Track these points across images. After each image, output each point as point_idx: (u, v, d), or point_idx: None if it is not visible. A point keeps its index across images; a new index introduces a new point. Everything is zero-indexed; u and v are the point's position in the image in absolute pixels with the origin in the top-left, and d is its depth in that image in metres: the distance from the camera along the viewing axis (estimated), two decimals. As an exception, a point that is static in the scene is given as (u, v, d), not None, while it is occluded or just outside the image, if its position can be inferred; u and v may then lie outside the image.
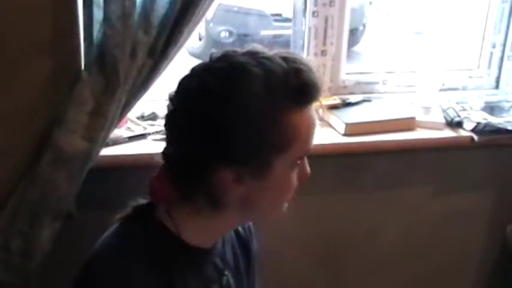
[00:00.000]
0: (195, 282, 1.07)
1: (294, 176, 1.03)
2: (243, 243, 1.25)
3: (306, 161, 1.07)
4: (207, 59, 1.02)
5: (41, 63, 1.37)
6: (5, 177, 1.40)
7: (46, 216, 1.39)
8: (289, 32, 1.93)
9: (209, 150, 0.97)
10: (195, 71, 1.03)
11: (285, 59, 0.98)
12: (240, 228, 1.25)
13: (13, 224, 1.38)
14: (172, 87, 1.05)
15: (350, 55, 1.92)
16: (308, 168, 1.08)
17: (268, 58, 0.97)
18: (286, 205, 1.08)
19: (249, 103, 0.94)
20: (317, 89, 0.99)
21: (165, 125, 1.06)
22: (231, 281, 1.16)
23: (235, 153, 0.96)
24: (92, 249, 1.06)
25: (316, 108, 1.06)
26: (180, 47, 1.40)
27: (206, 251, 1.09)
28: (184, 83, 1.03)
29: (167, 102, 1.05)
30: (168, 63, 1.41)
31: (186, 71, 1.04)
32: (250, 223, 1.29)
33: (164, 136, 1.09)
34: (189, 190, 1.03)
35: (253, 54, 0.99)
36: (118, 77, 1.32)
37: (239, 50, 1.01)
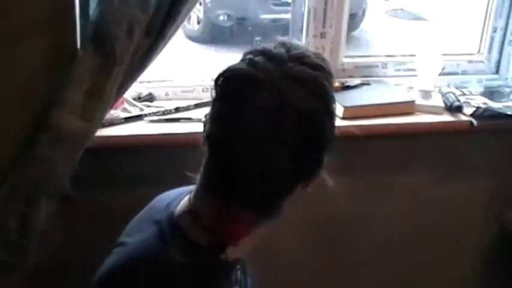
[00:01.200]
0: None
1: None
2: None
3: None
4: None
5: (37, 41, 1.35)
6: (2, 157, 1.39)
7: (42, 196, 1.39)
8: (288, 16, 1.91)
9: (287, 172, 0.93)
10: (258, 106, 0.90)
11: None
12: None
13: (10, 203, 1.38)
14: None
15: (349, 40, 1.90)
16: None
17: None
18: None
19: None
20: None
21: (211, 147, 0.96)
22: (242, 277, 1.14)
23: (306, 169, 0.97)
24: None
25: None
26: (177, 27, 1.38)
27: (235, 262, 1.07)
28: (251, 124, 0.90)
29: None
30: (165, 44, 1.39)
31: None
32: None
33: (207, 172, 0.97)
34: (253, 216, 0.97)
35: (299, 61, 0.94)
36: (114, 56, 1.31)
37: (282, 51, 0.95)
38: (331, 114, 0.97)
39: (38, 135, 1.35)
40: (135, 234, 1.04)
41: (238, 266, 1.10)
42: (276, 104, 0.88)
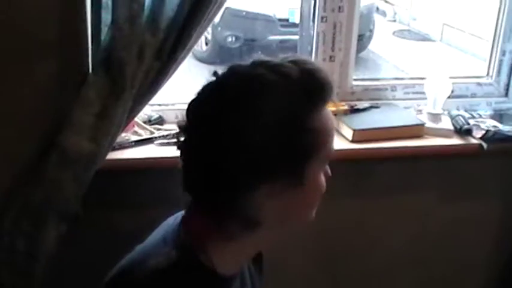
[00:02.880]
0: None
1: (323, 178, 1.01)
2: (257, 260, 1.21)
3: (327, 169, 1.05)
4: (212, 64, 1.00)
5: (49, 64, 1.37)
6: (10, 178, 1.40)
7: (51, 218, 1.39)
8: (295, 37, 1.92)
9: (240, 169, 0.92)
10: (204, 94, 0.98)
11: (294, 62, 0.96)
12: None
13: (18, 225, 1.38)
14: (181, 99, 1.00)
15: (356, 61, 1.91)
16: (329, 170, 1.05)
17: (278, 64, 0.95)
18: (314, 212, 1.06)
19: (274, 112, 0.91)
20: (331, 87, 0.97)
21: (182, 156, 1.01)
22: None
23: (267, 167, 0.92)
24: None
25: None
26: (188, 51, 1.39)
27: (233, 277, 1.05)
28: (196, 110, 0.98)
29: (178, 132, 1.01)
30: (176, 67, 1.40)
31: (191, 96, 0.99)
32: None
33: (182, 164, 1.02)
34: (222, 218, 0.98)
35: (261, 63, 0.96)
36: (125, 80, 1.32)
37: (243, 63, 0.98)
38: (254, 115, 0.92)
39: (47, 157, 1.36)
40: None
41: (238, 285, 1.09)
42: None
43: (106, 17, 1.32)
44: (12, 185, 1.39)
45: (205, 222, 1.00)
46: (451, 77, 1.83)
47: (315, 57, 1.79)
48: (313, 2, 1.77)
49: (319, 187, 1.00)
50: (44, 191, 1.37)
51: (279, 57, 0.98)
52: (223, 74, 0.98)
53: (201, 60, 4.64)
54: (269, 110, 0.91)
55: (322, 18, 1.76)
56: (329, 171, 1.05)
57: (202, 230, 1.00)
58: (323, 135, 0.96)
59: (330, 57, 1.80)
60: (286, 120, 0.91)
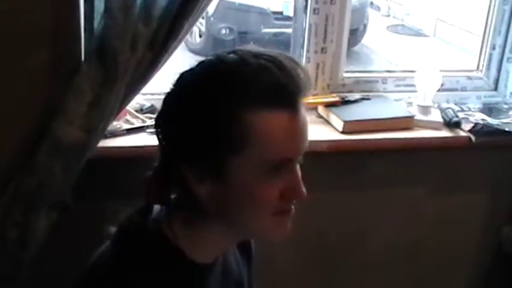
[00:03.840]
0: None
1: (271, 188, 0.93)
2: (244, 249, 1.19)
3: (296, 176, 0.95)
4: (206, 56, 1.00)
5: (41, 53, 1.37)
6: (2, 167, 1.40)
7: (42, 207, 1.39)
8: (289, 30, 1.93)
9: (171, 148, 0.96)
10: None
11: (270, 58, 0.91)
12: None
13: (9, 213, 1.38)
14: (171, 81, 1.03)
15: (350, 55, 1.92)
16: (301, 188, 0.95)
17: (247, 55, 0.92)
18: (286, 225, 0.99)
19: (209, 97, 0.90)
20: (291, 93, 0.90)
21: None
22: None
23: (190, 149, 0.93)
24: (87, 270, 1.02)
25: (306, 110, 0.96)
26: (180, 41, 1.40)
27: (209, 266, 1.03)
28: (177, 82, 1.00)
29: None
30: (167, 57, 1.41)
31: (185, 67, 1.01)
32: None
33: None
34: (169, 195, 1.01)
35: (238, 51, 0.94)
36: (117, 69, 1.32)
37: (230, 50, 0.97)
38: (187, 99, 0.94)
39: (39, 146, 1.36)
40: None
41: (219, 276, 1.07)
42: None
43: (99, 4, 1.32)
44: (3, 174, 1.39)
45: (167, 210, 1.02)
46: (441, 71, 1.85)
47: (306, 49, 1.81)
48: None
49: (255, 193, 0.93)
50: (35, 180, 1.37)
51: (272, 51, 0.94)
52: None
53: (195, 52, 4.63)
54: (203, 93, 0.92)
55: (314, 10, 1.77)
56: (298, 187, 0.95)
57: (166, 219, 1.01)
58: (257, 137, 0.89)
59: (322, 48, 1.81)
60: (214, 107, 0.90)
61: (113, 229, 1.04)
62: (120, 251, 0.99)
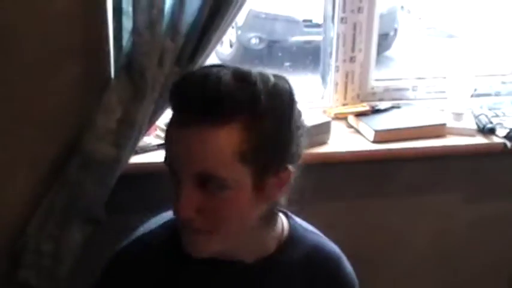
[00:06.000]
0: None
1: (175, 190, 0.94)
2: (309, 277, 1.15)
3: (179, 193, 0.92)
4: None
5: (72, 70, 1.40)
6: (35, 182, 1.43)
7: (76, 221, 1.42)
8: (319, 38, 1.92)
9: None
10: None
11: (200, 71, 0.94)
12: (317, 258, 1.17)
13: (44, 227, 1.41)
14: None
15: (381, 60, 1.91)
16: (177, 205, 0.92)
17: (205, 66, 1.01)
18: (188, 239, 0.97)
19: None
20: (182, 101, 0.91)
21: None
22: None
23: None
24: None
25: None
26: (207, 55, 1.41)
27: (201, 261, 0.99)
28: None
29: None
30: (195, 71, 1.42)
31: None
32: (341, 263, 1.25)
33: None
34: None
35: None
36: (146, 85, 1.34)
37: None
38: None
39: (70, 161, 1.39)
40: None
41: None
42: None
43: (127, 23, 1.34)
44: (38, 189, 1.42)
45: None
46: (474, 76, 1.82)
47: (335, 58, 1.80)
48: (332, 3, 1.77)
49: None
50: (68, 194, 1.40)
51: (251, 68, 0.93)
52: None
53: (226, 62, 4.65)
54: None
55: (342, 19, 1.76)
56: (179, 199, 0.92)
57: None
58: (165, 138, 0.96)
59: (351, 58, 1.80)
60: None
61: None
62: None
